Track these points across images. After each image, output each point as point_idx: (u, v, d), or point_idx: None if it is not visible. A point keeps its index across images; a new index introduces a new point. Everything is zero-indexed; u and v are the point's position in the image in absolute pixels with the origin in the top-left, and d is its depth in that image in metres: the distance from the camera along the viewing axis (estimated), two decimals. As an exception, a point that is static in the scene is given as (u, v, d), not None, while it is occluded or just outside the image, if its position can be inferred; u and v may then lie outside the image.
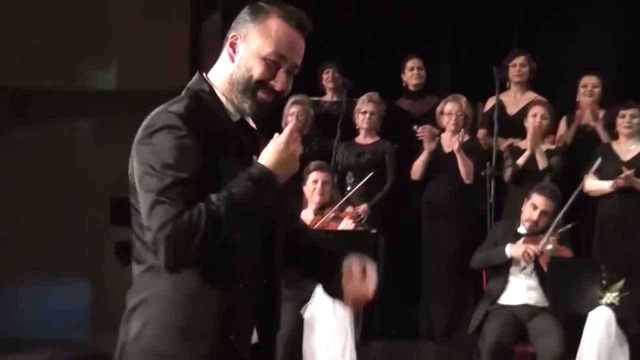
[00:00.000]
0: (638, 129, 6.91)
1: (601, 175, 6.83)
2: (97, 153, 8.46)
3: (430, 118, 7.57)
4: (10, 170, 8.55)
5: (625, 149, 6.91)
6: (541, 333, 6.08)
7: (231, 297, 2.60)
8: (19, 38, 8.47)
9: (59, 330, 8.00)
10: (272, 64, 2.63)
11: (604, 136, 7.14)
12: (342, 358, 5.76)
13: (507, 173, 7.06)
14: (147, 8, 8.44)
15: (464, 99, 7.34)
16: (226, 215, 2.46)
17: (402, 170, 7.30)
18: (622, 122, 6.90)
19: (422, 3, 8.65)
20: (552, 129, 7.22)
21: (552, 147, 7.12)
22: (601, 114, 7.25)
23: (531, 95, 7.51)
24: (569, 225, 6.29)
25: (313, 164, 6.61)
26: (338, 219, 6.58)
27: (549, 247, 6.17)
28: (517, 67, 7.51)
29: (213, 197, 2.48)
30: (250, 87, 2.64)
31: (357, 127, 7.40)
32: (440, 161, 7.25)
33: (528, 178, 6.92)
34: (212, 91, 2.68)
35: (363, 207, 7.08)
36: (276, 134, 2.60)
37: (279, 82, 2.65)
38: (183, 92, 2.68)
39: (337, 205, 6.61)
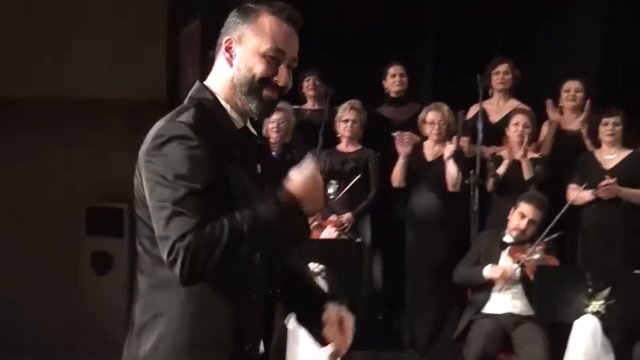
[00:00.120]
0: (620, 136, 6.90)
1: (583, 183, 6.82)
2: (73, 162, 8.36)
3: (411, 125, 7.55)
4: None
5: (608, 157, 6.91)
6: (526, 342, 6.10)
7: (244, 307, 2.59)
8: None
9: (33, 339, 7.89)
10: (272, 60, 2.63)
11: (588, 142, 7.13)
12: (326, 368, 5.69)
13: (490, 183, 7.04)
14: (124, 17, 8.35)
15: (445, 107, 7.32)
16: (249, 234, 2.44)
17: (385, 178, 7.25)
18: (605, 129, 6.90)
19: (403, 10, 8.62)
20: (534, 137, 7.20)
21: (536, 155, 7.10)
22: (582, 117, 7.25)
23: (514, 103, 7.50)
24: (555, 235, 6.28)
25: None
26: (321, 227, 6.55)
27: (536, 256, 6.17)
28: (500, 74, 7.50)
29: (237, 214, 2.45)
30: (255, 87, 2.63)
31: (338, 135, 7.36)
32: (424, 170, 7.23)
33: (511, 187, 6.90)
34: (215, 99, 2.66)
35: (347, 216, 7.04)
36: (306, 160, 2.57)
37: (281, 77, 2.64)
38: (186, 102, 2.67)
39: (319, 214, 6.56)
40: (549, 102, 7.36)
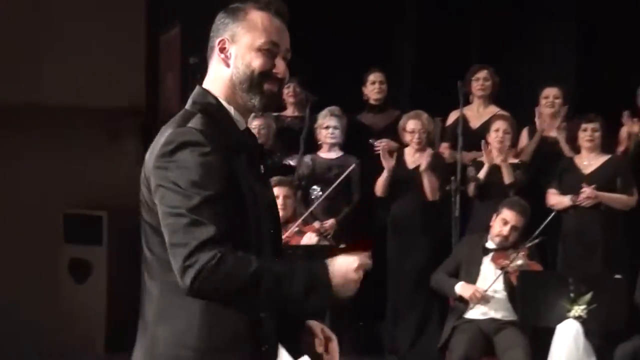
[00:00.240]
0: (599, 142, 6.96)
1: (563, 189, 6.89)
2: (51, 170, 8.31)
3: (391, 131, 7.59)
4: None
5: (587, 163, 6.96)
6: (508, 347, 6.13)
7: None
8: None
9: (11, 347, 7.82)
10: (268, 53, 2.64)
11: (565, 148, 7.18)
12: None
13: (471, 188, 7.07)
14: (103, 24, 8.32)
15: (425, 116, 7.35)
16: (269, 291, 2.43)
17: (366, 185, 7.26)
18: (584, 135, 6.95)
19: (382, 17, 8.65)
20: (514, 143, 7.25)
21: (516, 161, 7.14)
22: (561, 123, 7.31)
23: (494, 109, 7.54)
24: (537, 240, 6.32)
25: (274, 179, 6.55)
26: (302, 233, 6.55)
27: (520, 262, 6.20)
28: (480, 81, 7.53)
29: (270, 264, 2.46)
30: (255, 82, 2.63)
31: (319, 142, 7.36)
32: (405, 177, 7.24)
33: (492, 192, 6.95)
34: (218, 103, 2.66)
35: (330, 222, 7.04)
36: (357, 256, 2.53)
37: (280, 69, 2.65)
38: (190, 107, 2.66)
39: (300, 219, 6.58)
40: (537, 110, 7.36)
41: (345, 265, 2.50)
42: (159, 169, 2.50)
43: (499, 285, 6.26)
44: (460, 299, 6.32)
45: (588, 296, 5.92)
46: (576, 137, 7.01)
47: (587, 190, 6.73)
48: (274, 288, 2.43)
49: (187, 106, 2.67)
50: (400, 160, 7.33)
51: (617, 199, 6.82)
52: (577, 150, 7.05)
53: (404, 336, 7.17)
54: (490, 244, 6.42)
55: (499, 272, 6.26)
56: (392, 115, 7.75)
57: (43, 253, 8.32)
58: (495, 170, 7.02)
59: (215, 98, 2.66)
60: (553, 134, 7.32)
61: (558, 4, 8.71)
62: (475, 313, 6.30)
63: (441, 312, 6.89)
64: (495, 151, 7.03)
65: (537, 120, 7.33)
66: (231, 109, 2.66)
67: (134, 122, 8.48)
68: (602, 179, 6.84)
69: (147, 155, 2.59)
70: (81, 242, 8.35)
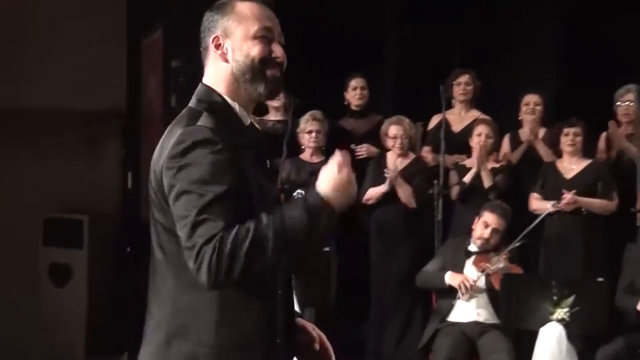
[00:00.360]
0: (581, 147, 7.01)
1: (545, 193, 6.93)
2: (31, 173, 8.28)
3: (372, 136, 7.59)
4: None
5: (569, 167, 7.00)
6: (491, 350, 6.15)
7: (272, 304, 2.61)
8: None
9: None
10: (264, 39, 2.66)
11: (543, 153, 7.22)
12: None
13: (454, 191, 7.10)
14: (84, 27, 8.30)
15: (407, 121, 7.37)
16: (274, 238, 2.42)
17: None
18: (566, 140, 6.99)
19: (364, 22, 8.67)
20: (496, 147, 7.28)
21: (497, 165, 7.18)
22: (542, 132, 7.35)
23: (475, 113, 7.57)
24: (518, 243, 6.36)
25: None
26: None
27: (501, 265, 6.23)
28: (462, 85, 7.56)
29: (264, 218, 2.45)
30: (257, 69, 2.65)
31: (302, 147, 7.37)
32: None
33: (474, 196, 6.99)
34: (223, 99, 2.66)
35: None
36: (332, 160, 2.54)
37: (278, 53, 2.67)
38: (195, 105, 2.67)
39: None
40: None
41: (326, 175, 2.51)
42: (172, 170, 2.50)
43: (482, 288, 6.29)
44: (450, 288, 6.30)
45: (571, 299, 5.94)
46: (558, 142, 7.05)
47: (567, 196, 6.77)
48: (279, 230, 2.42)
49: (192, 104, 2.68)
50: (383, 164, 7.34)
51: (598, 203, 6.86)
52: (558, 154, 7.09)
53: (388, 339, 7.17)
54: (472, 247, 6.46)
55: (480, 274, 6.30)
56: (374, 120, 7.75)
57: (23, 257, 8.30)
58: (479, 175, 7.06)
59: (220, 95, 2.66)
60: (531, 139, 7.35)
61: (540, 9, 8.76)
62: (459, 316, 6.32)
63: (424, 314, 6.90)
64: (477, 154, 7.07)
65: (522, 131, 7.39)
66: (236, 106, 2.67)
67: (115, 125, 8.47)
68: (583, 183, 6.88)
69: (156, 156, 2.60)
70: (61, 245, 8.34)
